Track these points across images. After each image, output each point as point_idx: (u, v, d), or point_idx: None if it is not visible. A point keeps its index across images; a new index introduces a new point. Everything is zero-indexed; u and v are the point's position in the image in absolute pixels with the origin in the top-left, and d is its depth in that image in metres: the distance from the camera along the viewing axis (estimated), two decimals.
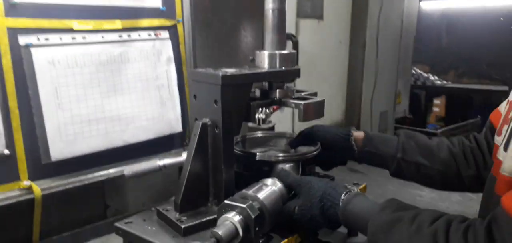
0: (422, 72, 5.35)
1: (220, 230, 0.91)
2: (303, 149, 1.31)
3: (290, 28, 2.20)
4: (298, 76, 1.30)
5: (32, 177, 1.25)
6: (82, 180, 1.34)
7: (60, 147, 1.28)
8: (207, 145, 1.15)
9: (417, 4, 3.91)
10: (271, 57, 1.26)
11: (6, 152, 1.19)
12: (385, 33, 3.06)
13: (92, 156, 1.37)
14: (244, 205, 0.96)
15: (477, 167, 1.20)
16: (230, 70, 1.15)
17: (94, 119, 1.35)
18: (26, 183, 1.23)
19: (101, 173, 1.39)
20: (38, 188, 1.24)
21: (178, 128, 1.59)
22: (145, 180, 1.70)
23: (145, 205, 1.79)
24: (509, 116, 0.95)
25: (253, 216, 0.95)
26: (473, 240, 0.72)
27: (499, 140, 0.99)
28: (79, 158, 1.34)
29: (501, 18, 5.46)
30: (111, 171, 1.41)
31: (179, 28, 1.58)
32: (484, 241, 0.70)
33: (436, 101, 5.04)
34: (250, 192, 1.05)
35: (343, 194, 0.97)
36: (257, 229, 0.96)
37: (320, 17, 2.57)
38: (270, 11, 1.27)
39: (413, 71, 4.89)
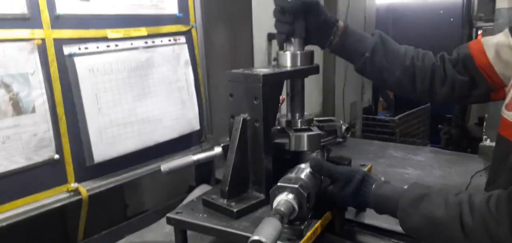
0: None
1: (282, 207, 1.05)
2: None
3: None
4: (317, 72, 1.47)
5: (77, 179, 1.32)
6: (122, 179, 1.43)
7: (101, 150, 1.35)
8: (247, 138, 1.28)
9: (374, 0, 4.22)
10: (294, 56, 1.41)
11: (56, 156, 1.25)
12: None
13: (126, 156, 1.45)
14: (296, 186, 1.10)
15: (431, 85, 1.29)
16: (264, 70, 1.29)
17: (128, 122, 1.43)
18: (73, 185, 1.29)
19: (137, 171, 1.48)
20: (84, 190, 1.31)
21: (197, 126, 1.71)
22: (158, 179, 1.80)
23: (160, 202, 1.88)
24: None
25: (305, 194, 1.09)
26: (494, 205, 0.84)
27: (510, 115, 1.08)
28: (115, 159, 1.42)
29: (441, 11, 5.87)
30: (146, 169, 1.51)
31: (193, 33, 1.69)
32: (506, 204, 0.82)
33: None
34: (293, 175, 1.20)
35: (373, 186, 1.10)
36: (308, 205, 1.12)
37: None
38: None
39: None
